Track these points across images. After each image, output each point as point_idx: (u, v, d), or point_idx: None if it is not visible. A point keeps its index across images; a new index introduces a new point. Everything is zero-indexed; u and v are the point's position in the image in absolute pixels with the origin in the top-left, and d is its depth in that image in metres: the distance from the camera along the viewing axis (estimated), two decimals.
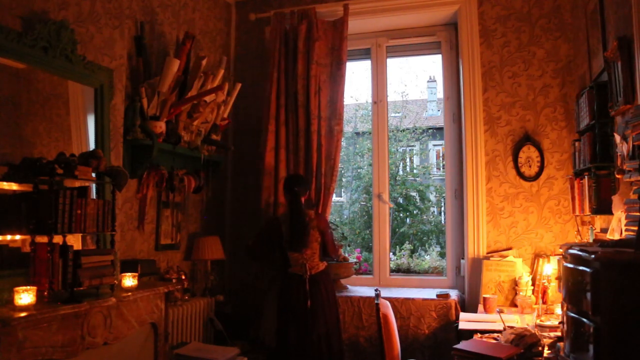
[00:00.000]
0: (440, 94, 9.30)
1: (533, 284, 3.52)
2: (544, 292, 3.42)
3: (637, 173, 2.19)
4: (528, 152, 3.76)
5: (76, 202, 2.38)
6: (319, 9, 4.14)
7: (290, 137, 4.03)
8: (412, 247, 6.66)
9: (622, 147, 2.36)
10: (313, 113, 3.96)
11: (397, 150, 8.72)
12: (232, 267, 4.36)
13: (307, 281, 3.35)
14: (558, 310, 3.08)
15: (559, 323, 2.62)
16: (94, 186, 2.74)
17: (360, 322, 3.77)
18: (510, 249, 3.76)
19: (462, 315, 3.39)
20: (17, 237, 2.39)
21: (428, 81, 11.18)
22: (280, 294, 3.49)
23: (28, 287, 2.09)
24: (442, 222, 8.04)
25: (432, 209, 8.67)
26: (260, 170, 4.08)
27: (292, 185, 3.48)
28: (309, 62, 4.01)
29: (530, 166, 3.76)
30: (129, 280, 2.64)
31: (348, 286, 4.07)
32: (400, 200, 8.26)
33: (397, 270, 4.95)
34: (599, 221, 3.05)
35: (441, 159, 9.38)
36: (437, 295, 3.70)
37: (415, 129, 8.95)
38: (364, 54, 4.51)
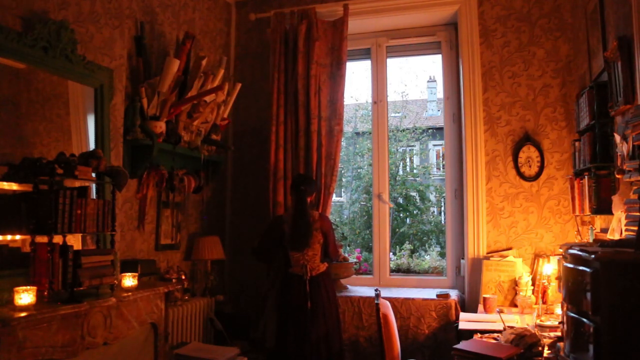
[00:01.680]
0: (440, 94, 9.30)
1: (533, 284, 3.52)
2: (544, 292, 3.42)
3: (637, 173, 2.19)
4: (528, 152, 3.76)
5: (76, 202, 2.38)
6: (319, 9, 4.14)
7: (291, 137, 4.03)
8: (412, 247, 6.67)
9: (622, 147, 2.36)
10: (313, 113, 3.96)
11: (397, 150, 8.72)
12: (232, 267, 4.36)
13: (308, 282, 3.33)
14: (558, 310, 3.08)
15: (559, 323, 2.62)
16: (94, 186, 2.74)
17: (360, 322, 3.77)
18: (510, 249, 3.76)
19: (462, 315, 3.39)
20: (17, 237, 2.39)
21: (428, 81, 11.19)
22: (280, 295, 3.48)
23: (28, 287, 2.09)
24: (442, 222, 8.04)
25: (432, 209, 8.67)
26: (263, 170, 4.08)
27: (298, 184, 3.47)
28: (309, 62, 4.01)
29: (530, 166, 3.76)
30: (129, 280, 2.64)
31: (348, 286, 4.07)
32: (400, 200, 8.27)
33: (397, 270, 4.95)
34: (599, 221, 3.05)
35: (441, 159, 9.38)
36: (437, 295, 3.70)
37: (415, 129, 8.96)
38: (364, 54, 4.51)
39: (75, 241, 2.56)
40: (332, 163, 3.94)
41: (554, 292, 3.35)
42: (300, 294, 3.32)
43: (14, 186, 2.36)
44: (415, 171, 9.21)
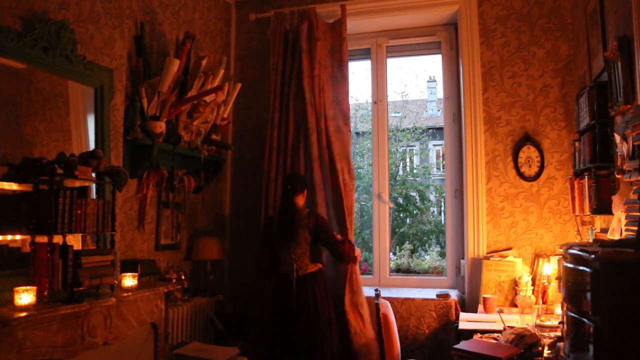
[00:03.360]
0: (440, 94, 9.31)
1: (533, 284, 3.52)
2: (544, 292, 3.42)
3: (637, 173, 2.19)
4: (528, 152, 3.76)
5: (76, 202, 2.38)
6: (318, 10, 4.13)
7: (291, 139, 4.01)
8: (412, 247, 6.67)
9: (622, 147, 2.36)
10: (319, 112, 3.94)
11: (397, 150, 8.73)
12: (232, 267, 4.36)
13: (294, 282, 3.26)
14: (558, 310, 3.08)
15: (559, 323, 2.62)
16: (94, 186, 2.74)
17: None
18: (510, 249, 3.76)
19: (462, 315, 3.39)
20: (17, 237, 2.39)
21: (428, 81, 11.20)
22: (271, 295, 3.45)
23: (28, 287, 2.09)
24: (442, 222, 8.05)
25: (432, 209, 8.68)
26: (261, 172, 4.08)
27: (286, 183, 3.44)
28: (311, 62, 4.00)
29: (530, 166, 3.76)
30: (129, 280, 2.65)
31: None
32: (400, 200, 8.27)
33: (397, 270, 4.95)
34: (599, 221, 3.05)
35: (441, 159, 9.39)
36: (437, 295, 3.70)
37: (415, 129, 8.96)
38: (364, 54, 4.51)
39: (75, 241, 2.56)
40: (347, 162, 3.88)
41: (554, 292, 3.35)
42: (286, 294, 3.26)
43: (14, 186, 2.36)
44: (415, 171, 9.21)
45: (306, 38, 4.02)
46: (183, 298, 3.57)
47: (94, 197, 2.69)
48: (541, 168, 3.74)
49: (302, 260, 3.32)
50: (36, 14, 2.52)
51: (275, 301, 3.36)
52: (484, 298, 3.40)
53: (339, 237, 3.51)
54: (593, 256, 1.78)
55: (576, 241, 3.44)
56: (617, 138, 2.46)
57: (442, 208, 8.40)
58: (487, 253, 3.79)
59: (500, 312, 3.11)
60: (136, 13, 3.39)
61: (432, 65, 15.30)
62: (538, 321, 2.92)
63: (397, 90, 10.50)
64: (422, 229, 8.15)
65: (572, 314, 1.99)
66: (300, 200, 3.43)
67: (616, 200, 2.51)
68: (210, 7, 4.31)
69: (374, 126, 4.42)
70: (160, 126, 3.31)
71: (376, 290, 3.16)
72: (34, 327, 2.02)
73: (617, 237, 2.40)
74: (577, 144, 3.23)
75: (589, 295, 1.79)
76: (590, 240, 3.06)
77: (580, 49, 3.48)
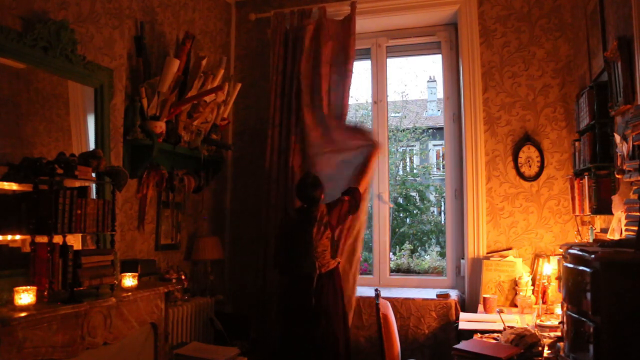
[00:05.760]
0: (440, 94, 9.31)
1: (533, 284, 3.52)
2: (544, 292, 3.42)
3: (637, 173, 2.19)
4: (528, 152, 3.76)
5: (76, 202, 2.38)
6: (317, 9, 4.13)
7: (296, 137, 4.00)
8: (412, 247, 6.67)
9: (622, 147, 2.36)
10: (324, 112, 3.94)
11: (397, 150, 8.73)
12: (232, 267, 4.36)
13: (315, 279, 3.20)
14: (558, 310, 3.08)
15: (559, 323, 2.62)
16: (94, 186, 2.74)
17: (360, 322, 3.77)
18: (510, 249, 3.76)
19: (462, 315, 3.39)
20: (17, 237, 2.39)
21: (428, 81, 11.20)
22: (286, 293, 3.38)
23: (28, 287, 2.09)
24: (442, 222, 8.05)
25: (432, 209, 8.69)
26: (263, 171, 4.08)
27: (306, 191, 3.31)
28: (315, 61, 3.99)
29: (530, 166, 3.76)
30: (129, 280, 2.65)
31: None
32: (400, 200, 8.27)
33: (397, 270, 4.95)
34: (599, 221, 3.05)
35: (441, 159, 9.40)
36: (437, 295, 3.70)
37: (415, 129, 8.96)
38: (364, 54, 4.50)
39: (75, 241, 2.56)
40: None
41: (554, 292, 3.35)
42: (304, 292, 3.20)
43: (14, 186, 2.36)
44: (415, 171, 9.22)
45: (311, 37, 4.02)
46: (183, 298, 3.57)
47: (94, 197, 2.69)
48: (541, 168, 3.73)
49: (324, 257, 3.26)
50: (36, 14, 2.52)
51: (291, 300, 3.28)
52: (484, 298, 3.40)
53: (346, 198, 3.41)
54: (593, 256, 1.78)
55: (576, 241, 3.44)
56: (617, 138, 2.46)
57: (442, 208, 8.40)
58: (487, 253, 3.79)
59: (500, 312, 3.11)
60: (136, 13, 3.39)
61: (432, 65, 15.30)
62: (538, 321, 2.92)
63: (397, 90, 10.50)
64: (422, 229, 8.16)
65: (572, 314, 1.99)
66: (318, 207, 3.32)
67: (616, 200, 2.51)
68: (210, 7, 4.31)
69: (374, 126, 4.41)
70: (160, 126, 3.31)
71: (376, 290, 3.15)
72: (34, 327, 2.03)
73: (617, 237, 2.40)
74: (577, 144, 3.23)
75: (589, 295, 1.79)
76: (590, 240, 3.06)
77: (580, 49, 3.48)
